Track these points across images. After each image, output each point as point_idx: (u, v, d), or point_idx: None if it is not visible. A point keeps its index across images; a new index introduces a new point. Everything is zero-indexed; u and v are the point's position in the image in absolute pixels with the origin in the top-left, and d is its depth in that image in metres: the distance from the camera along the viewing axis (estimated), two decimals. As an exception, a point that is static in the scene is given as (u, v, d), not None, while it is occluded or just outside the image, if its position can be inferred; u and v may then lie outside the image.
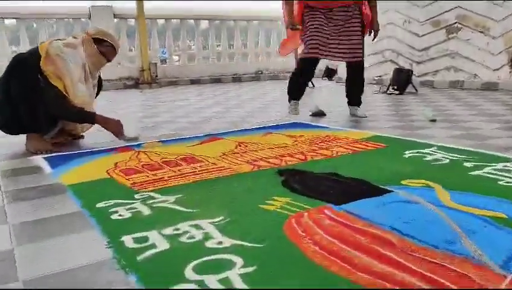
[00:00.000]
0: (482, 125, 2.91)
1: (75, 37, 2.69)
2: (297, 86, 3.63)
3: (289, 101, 3.68)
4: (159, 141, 2.69)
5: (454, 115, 3.39)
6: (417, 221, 1.29)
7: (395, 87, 5.09)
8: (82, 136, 2.88)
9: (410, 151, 2.17)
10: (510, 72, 5.08)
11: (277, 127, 3.09)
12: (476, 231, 1.21)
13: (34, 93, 2.48)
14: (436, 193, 1.54)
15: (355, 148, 2.30)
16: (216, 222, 1.35)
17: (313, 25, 3.32)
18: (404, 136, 2.58)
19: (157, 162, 2.15)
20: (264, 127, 3.09)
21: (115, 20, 7.90)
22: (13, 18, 7.68)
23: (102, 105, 3.98)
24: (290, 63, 8.79)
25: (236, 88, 6.99)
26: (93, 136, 2.85)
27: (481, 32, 5.29)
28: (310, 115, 3.47)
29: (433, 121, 3.09)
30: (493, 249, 1.10)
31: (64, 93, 2.48)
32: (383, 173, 1.81)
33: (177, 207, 1.50)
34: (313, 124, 3.16)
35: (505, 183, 1.62)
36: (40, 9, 7.64)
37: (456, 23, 5.56)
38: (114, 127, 2.65)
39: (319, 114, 3.49)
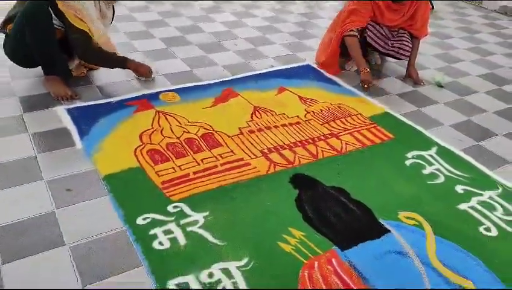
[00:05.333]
0: (487, 104, 3.01)
1: None
2: None
3: None
4: (175, 92, 2.76)
5: (463, 75, 3.43)
6: (404, 285, 1.61)
7: None
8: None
9: (413, 155, 2.37)
10: (533, 1, 4.87)
11: (290, 75, 3.13)
12: (447, 309, 1.55)
13: (50, 40, 2.45)
14: (426, 240, 1.83)
15: (364, 140, 2.46)
16: (242, 267, 1.63)
17: None
18: (412, 119, 2.71)
19: (179, 141, 2.30)
20: (278, 73, 3.13)
21: None
22: None
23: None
24: None
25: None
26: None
27: None
28: None
29: (441, 86, 3.18)
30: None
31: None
32: (384, 195, 2.06)
33: (208, 235, 1.75)
34: (325, 74, 3.20)
35: (483, 231, 1.91)
36: None
37: None
38: (145, 72, 2.83)
39: None
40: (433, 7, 5.00)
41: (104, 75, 2.85)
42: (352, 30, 3.07)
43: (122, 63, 2.74)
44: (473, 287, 1.63)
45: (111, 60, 2.70)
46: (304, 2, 4.91)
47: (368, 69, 3.08)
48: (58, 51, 2.53)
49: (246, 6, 4.55)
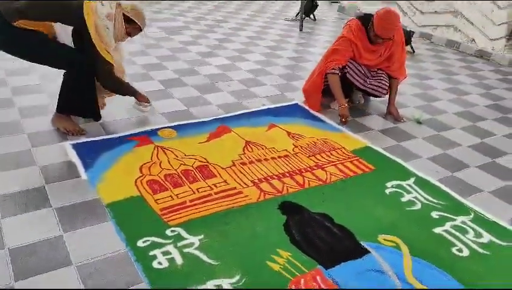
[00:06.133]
0: (462, 139, 3.25)
1: (105, 5, 2.62)
2: None
3: None
4: (173, 129, 2.98)
5: (440, 113, 3.70)
6: (382, 302, 1.77)
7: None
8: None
9: (392, 184, 2.57)
10: (505, 45, 5.24)
11: (280, 113, 3.37)
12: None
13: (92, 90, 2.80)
14: (403, 260, 2.00)
15: (347, 171, 2.67)
16: (234, 283, 1.78)
17: None
18: (392, 152, 2.94)
19: (176, 172, 2.49)
20: (268, 111, 3.37)
21: None
22: None
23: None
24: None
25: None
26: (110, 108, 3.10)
27: (489, -2, 5.29)
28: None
29: (420, 123, 3.43)
30: None
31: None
32: (365, 220, 2.24)
33: (203, 256, 1.91)
34: (311, 112, 3.44)
35: (456, 252, 2.08)
36: None
37: (467, -19, 5.49)
38: (145, 99, 3.09)
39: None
40: (413, 51, 5.38)
41: (106, 113, 3.07)
42: (333, 68, 3.34)
43: (133, 92, 3.01)
44: (445, 301, 1.79)
45: (126, 88, 2.97)
46: (292, 45, 5.25)
47: (346, 105, 3.33)
48: (96, 98, 2.84)
49: (239, 51, 4.87)
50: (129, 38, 2.82)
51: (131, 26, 2.72)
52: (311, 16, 6.58)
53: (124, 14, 2.66)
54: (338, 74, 3.35)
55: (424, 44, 5.89)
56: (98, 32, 2.57)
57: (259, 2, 7.62)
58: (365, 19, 3.34)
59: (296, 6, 6.92)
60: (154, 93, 3.52)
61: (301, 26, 6.03)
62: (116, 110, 3.10)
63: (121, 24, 2.65)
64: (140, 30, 2.79)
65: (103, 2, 2.61)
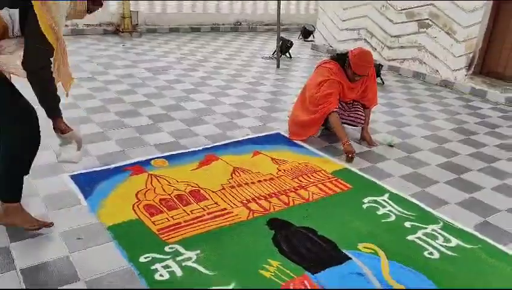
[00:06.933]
0: (430, 159, 3.56)
1: None
2: None
3: None
4: (164, 159, 3.19)
5: (410, 137, 4.02)
6: (364, 299, 1.97)
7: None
8: None
9: (368, 200, 2.82)
10: (466, 75, 5.70)
11: (263, 141, 3.63)
12: (399, 313, 1.91)
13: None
14: (381, 264, 2.22)
15: (327, 190, 2.91)
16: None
17: None
18: (367, 172, 3.21)
19: (170, 197, 2.69)
20: (252, 140, 3.62)
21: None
22: None
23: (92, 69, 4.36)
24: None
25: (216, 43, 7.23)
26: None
27: (448, 33, 5.78)
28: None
29: (391, 146, 3.73)
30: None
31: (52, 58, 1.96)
32: (345, 232, 2.46)
33: (200, 268, 2.10)
34: (292, 140, 3.71)
35: (427, 255, 2.32)
36: None
37: (427, 19, 5.99)
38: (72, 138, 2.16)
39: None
40: (383, 82, 5.79)
41: (99, 147, 3.27)
42: (333, 110, 3.55)
43: (54, 108, 2.07)
44: (420, 296, 2.01)
45: (52, 91, 2.03)
46: (271, 81, 5.59)
47: (350, 142, 3.51)
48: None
49: (221, 87, 5.16)
50: (86, 15, 2.20)
51: (95, 3, 2.15)
52: (287, 53, 6.99)
53: None
54: (337, 112, 3.57)
55: (393, 76, 6.33)
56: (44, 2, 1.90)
57: (238, 43, 8.04)
58: (340, 60, 3.68)
59: (273, 45, 7.33)
60: (144, 128, 3.74)
61: (278, 63, 6.41)
62: (107, 145, 3.30)
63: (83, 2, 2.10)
64: (101, 5, 2.21)
65: None
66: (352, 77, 3.59)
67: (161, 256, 2.16)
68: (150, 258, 2.14)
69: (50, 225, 2.28)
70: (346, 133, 3.64)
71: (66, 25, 2.28)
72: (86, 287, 1.92)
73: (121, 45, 6.98)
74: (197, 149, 3.40)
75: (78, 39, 7.15)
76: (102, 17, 7.69)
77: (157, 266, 2.09)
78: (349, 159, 3.40)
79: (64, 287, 1.91)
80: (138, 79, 5.19)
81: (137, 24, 7.85)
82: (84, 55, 6.18)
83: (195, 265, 2.12)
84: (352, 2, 7.02)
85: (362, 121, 3.79)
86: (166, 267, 2.09)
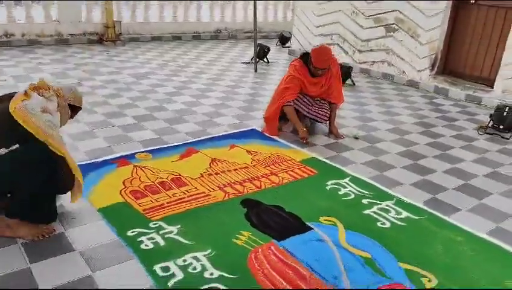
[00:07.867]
0: (391, 148, 3.93)
1: (43, 95, 2.38)
2: None
3: None
4: (148, 152, 3.49)
5: (375, 130, 4.39)
6: (322, 260, 2.29)
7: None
8: None
9: (331, 182, 3.17)
10: (429, 75, 6.13)
11: (239, 136, 3.95)
12: (352, 269, 2.24)
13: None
14: (338, 232, 2.55)
15: (295, 175, 3.25)
16: (207, 255, 2.28)
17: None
18: (332, 160, 3.55)
19: (154, 184, 2.99)
20: (229, 135, 3.95)
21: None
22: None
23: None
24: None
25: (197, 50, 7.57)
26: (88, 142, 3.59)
27: (412, 36, 6.22)
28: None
29: (357, 138, 4.10)
30: (358, 284, 2.13)
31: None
32: (309, 208, 2.80)
33: (181, 239, 2.40)
34: (266, 135, 4.05)
35: (380, 225, 2.67)
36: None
37: (393, 24, 6.43)
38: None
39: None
40: (354, 83, 6.18)
41: (88, 144, 3.55)
42: (288, 102, 4.00)
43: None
44: (370, 257, 2.34)
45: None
46: (249, 84, 5.93)
47: (305, 129, 3.97)
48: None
49: (201, 90, 5.49)
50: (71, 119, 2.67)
51: (74, 111, 2.62)
52: (265, 59, 7.36)
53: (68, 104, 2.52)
54: (292, 105, 4.01)
55: (364, 78, 6.74)
56: (42, 130, 2.23)
57: (218, 50, 8.39)
58: (305, 57, 4.06)
59: (252, 52, 7.70)
60: (130, 127, 4.03)
61: (256, 68, 6.76)
62: (95, 141, 3.59)
63: (68, 114, 2.55)
64: (80, 109, 2.68)
65: (28, 96, 2.32)
66: (314, 71, 3.96)
67: (146, 230, 2.46)
68: (136, 232, 2.44)
69: (53, 231, 2.40)
70: (302, 123, 4.04)
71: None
72: (81, 256, 2.21)
73: (105, 53, 7.27)
74: (178, 144, 3.71)
75: (64, 48, 7.41)
76: (86, 27, 7.98)
77: (143, 238, 2.39)
78: (306, 143, 3.90)
79: (63, 255, 2.20)
80: (123, 84, 5.48)
81: (120, 33, 8.15)
82: (71, 63, 6.45)
83: (176, 237, 2.42)
84: (325, 9, 7.44)
85: (326, 118, 4.15)
86: (150, 239, 2.39)
